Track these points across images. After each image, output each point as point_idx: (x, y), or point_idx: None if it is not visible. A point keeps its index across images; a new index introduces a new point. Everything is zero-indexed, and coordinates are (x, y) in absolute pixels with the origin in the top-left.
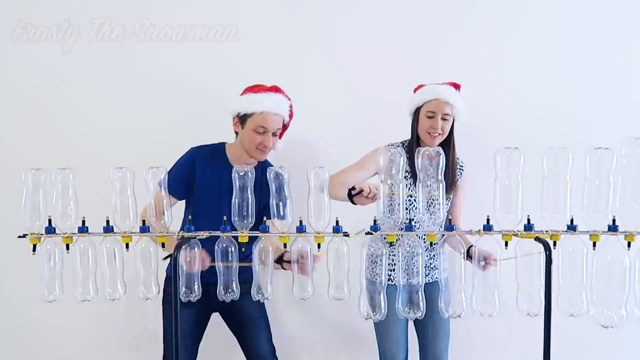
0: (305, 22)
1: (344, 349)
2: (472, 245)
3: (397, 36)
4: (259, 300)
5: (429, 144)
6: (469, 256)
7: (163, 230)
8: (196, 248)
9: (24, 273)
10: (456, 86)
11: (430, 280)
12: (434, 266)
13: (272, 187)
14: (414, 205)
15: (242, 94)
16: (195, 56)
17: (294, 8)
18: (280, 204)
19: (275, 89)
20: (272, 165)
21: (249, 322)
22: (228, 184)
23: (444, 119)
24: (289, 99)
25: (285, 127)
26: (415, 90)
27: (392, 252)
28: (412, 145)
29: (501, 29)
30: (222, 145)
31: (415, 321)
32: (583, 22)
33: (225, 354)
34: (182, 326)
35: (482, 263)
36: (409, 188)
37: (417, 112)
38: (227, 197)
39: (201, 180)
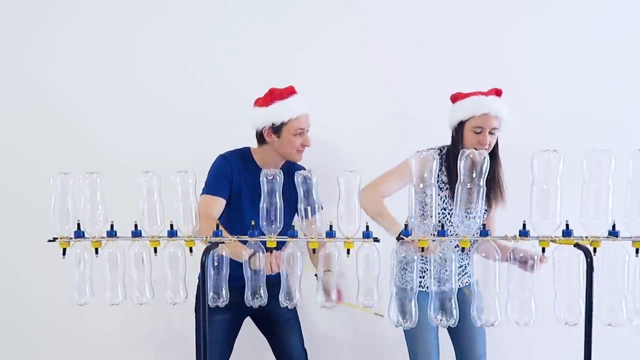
0: (331, 24)
1: (372, 353)
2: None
3: (430, 36)
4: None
5: None
6: (513, 258)
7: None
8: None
9: (47, 276)
10: (498, 93)
11: (462, 285)
12: (467, 271)
13: (300, 191)
14: (447, 213)
15: (262, 104)
16: (221, 61)
17: (320, 9)
18: (309, 208)
19: (292, 90)
20: (304, 168)
21: (282, 324)
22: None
23: (491, 133)
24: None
25: None
26: (454, 100)
27: (423, 259)
28: (452, 155)
29: (537, 30)
30: (247, 150)
31: (449, 328)
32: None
33: (255, 356)
34: (216, 333)
35: (531, 262)
36: (444, 200)
37: (460, 125)
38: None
39: (238, 184)
